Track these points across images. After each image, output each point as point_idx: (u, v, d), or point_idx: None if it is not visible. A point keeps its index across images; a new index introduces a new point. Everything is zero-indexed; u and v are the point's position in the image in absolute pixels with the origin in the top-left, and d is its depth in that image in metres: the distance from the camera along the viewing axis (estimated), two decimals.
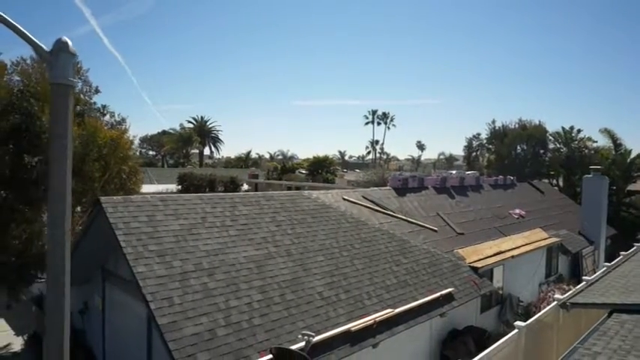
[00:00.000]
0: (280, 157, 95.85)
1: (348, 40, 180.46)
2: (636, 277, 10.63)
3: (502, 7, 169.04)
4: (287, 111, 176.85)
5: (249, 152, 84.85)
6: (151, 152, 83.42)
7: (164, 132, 78.99)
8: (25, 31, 3.95)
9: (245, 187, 38.19)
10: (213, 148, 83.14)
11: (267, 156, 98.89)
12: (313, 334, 7.76)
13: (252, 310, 8.09)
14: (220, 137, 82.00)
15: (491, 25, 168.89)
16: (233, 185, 34.62)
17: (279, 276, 9.20)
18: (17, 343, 13.52)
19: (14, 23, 3.94)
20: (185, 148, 72.56)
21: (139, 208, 9.17)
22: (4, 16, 3.98)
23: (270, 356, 7.19)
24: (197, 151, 77.72)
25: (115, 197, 9.49)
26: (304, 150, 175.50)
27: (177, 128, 77.24)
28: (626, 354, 6.33)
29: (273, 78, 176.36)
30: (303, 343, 7.57)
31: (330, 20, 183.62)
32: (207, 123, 79.51)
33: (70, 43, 3.97)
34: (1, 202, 11.30)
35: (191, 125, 77.54)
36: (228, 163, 79.89)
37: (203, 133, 77.11)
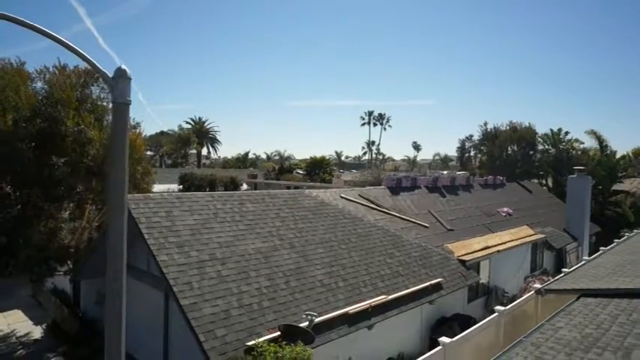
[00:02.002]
0: (277, 157, 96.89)
1: (344, 41, 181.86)
2: (606, 267, 11.75)
3: (495, 10, 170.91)
4: (283, 112, 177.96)
5: (247, 153, 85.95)
6: (149, 152, 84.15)
7: (162, 132, 79.89)
8: (92, 60, 4.97)
9: (244, 186, 39.18)
10: (210, 149, 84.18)
11: (264, 156, 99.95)
12: (316, 314, 8.81)
13: (261, 294, 9.13)
14: (218, 138, 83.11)
15: (483, 28, 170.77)
16: (233, 185, 35.63)
17: (284, 265, 10.25)
18: (36, 332, 14.47)
19: (84, 53, 4.95)
20: (184, 148, 73.46)
21: (158, 205, 10.20)
22: (72, 45, 4.99)
23: (279, 333, 8.22)
24: (195, 151, 78.66)
25: (136, 195, 10.50)
26: (301, 151, 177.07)
27: (175, 129, 78.30)
28: (583, 327, 7.42)
29: (269, 79, 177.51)
30: (307, 323, 8.62)
31: (327, 22, 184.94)
32: (206, 124, 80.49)
33: (127, 70, 5.00)
34: (27, 199, 12.26)
35: (189, 126, 78.52)
36: (226, 163, 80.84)
37: (201, 133, 78.08)
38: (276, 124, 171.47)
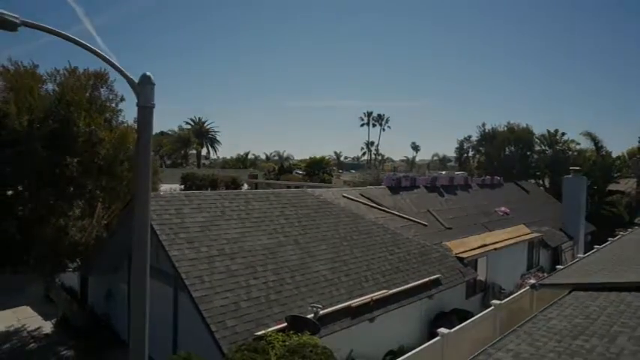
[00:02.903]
0: (276, 157, 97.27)
1: (344, 41, 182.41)
2: (598, 263, 12.21)
3: (495, 10, 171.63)
4: (282, 112, 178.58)
5: (247, 153, 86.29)
6: None
7: (162, 133, 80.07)
8: (122, 68, 5.39)
9: (245, 186, 39.59)
10: (210, 149, 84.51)
11: (263, 157, 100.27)
12: (320, 306, 9.25)
13: (268, 288, 9.56)
14: (218, 138, 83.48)
15: (483, 27, 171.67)
16: (234, 185, 36.02)
17: (289, 261, 10.68)
18: (46, 327, 14.89)
19: (112, 60, 5.38)
20: (183, 148, 73.76)
21: (168, 203, 10.62)
22: (101, 52, 5.42)
23: (286, 324, 8.64)
24: (195, 151, 78.92)
25: None
26: (300, 151, 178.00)
27: (175, 129, 78.55)
28: (574, 318, 7.87)
29: (268, 79, 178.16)
30: (312, 315, 9.04)
31: (326, 23, 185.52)
32: (205, 124, 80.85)
33: (152, 76, 5.43)
34: (39, 198, 12.64)
35: (189, 126, 78.85)
36: (226, 163, 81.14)
37: (201, 134, 78.43)
38: (275, 124, 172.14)
